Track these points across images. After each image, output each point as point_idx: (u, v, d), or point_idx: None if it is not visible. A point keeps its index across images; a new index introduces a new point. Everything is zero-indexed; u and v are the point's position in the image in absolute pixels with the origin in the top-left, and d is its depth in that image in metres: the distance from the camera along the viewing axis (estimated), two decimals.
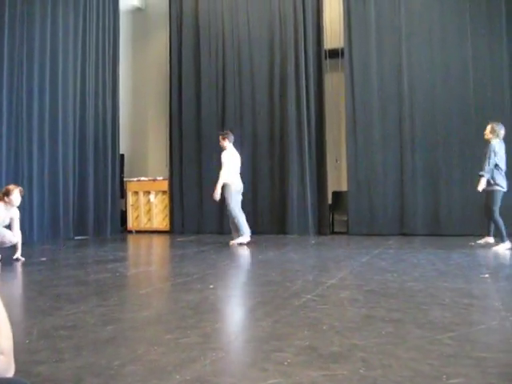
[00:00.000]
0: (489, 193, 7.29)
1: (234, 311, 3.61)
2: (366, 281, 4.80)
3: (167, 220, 11.58)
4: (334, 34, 10.59)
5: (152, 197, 11.66)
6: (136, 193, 11.73)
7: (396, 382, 2.22)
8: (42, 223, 9.44)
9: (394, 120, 9.92)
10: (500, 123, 7.52)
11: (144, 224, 11.69)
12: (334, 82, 10.73)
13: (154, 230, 11.59)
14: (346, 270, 5.57)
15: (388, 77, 10.00)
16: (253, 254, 7.07)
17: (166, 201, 11.62)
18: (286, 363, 2.50)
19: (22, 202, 6.71)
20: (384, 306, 3.70)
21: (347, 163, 10.23)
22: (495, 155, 7.22)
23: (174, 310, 3.79)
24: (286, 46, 10.67)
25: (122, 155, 12.07)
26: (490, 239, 7.61)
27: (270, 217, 10.64)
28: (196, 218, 11.22)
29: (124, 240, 10.16)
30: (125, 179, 11.87)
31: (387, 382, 2.22)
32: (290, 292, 4.33)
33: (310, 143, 10.39)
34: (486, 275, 5.00)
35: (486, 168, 7.19)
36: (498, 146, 7.29)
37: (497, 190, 7.22)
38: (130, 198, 11.71)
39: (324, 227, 10.27)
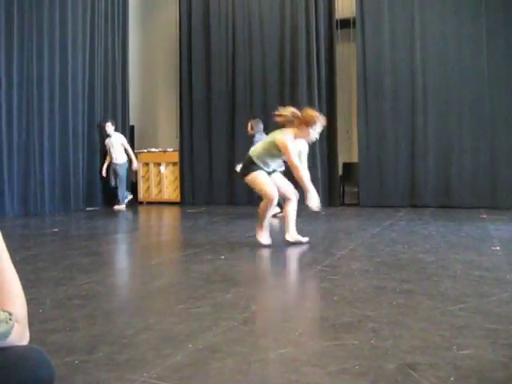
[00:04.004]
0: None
1: (245, 282, 3.63)
2: (377, 252, 4.80)
3: (178, 191, 11.61)
4: (345, 3, 10.39)
5: (162, 168, 11.65)
6: (146, 164, 11.73)
7: (407, 352, 2.23)
8: (53, 195, 9.49)
9: (405, 91, 9.78)
10: (257, 119, 8.67)
11: (154, 195, 11.72)
12: (346, 53, 10.58)
13: (165, 201, 11.61)
14: (356, 241, 5.57)
15: (400, 47, 9.82)
16: None
17: (177, 172, 11.62)
18: (297, 333, 2.52)
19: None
20: (395, 278, 3.70)
21: (358, 134, 10.15)
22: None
23: (185, 281, 3.82)
24: (296, 16, 10.48)
25: (132, 126, 12.04)
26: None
27: None
28: (206, 189, 11.23)
29: (134, 211, 10.21)
30: (135, 150, 11.84)
31: (398, 352, 2.23)
32: (301, 263, 4.35)
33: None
34: (497, 247, 4.98)
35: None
36: (260, 138, 7.97)
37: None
38: (141, 170, 11.71)
39: (334, 199, 10.24)
